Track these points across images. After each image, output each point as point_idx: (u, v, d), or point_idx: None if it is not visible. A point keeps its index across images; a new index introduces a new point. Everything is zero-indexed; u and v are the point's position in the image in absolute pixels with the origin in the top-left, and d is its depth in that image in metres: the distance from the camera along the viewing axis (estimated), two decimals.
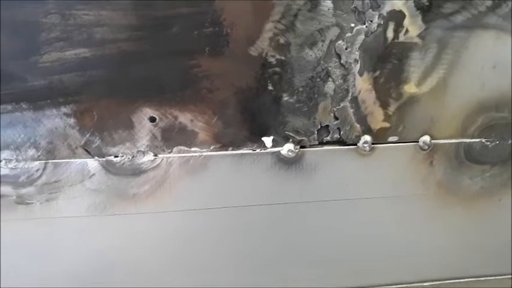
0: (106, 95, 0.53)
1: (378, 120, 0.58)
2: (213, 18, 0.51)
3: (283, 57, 0.54)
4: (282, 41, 0.54)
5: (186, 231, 0.60)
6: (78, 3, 0.49)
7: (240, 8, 0.52)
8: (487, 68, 0.58)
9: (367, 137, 0.59)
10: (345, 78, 0.56)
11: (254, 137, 0.57)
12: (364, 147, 0.59)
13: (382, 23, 0.54)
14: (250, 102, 0.56)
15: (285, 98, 0.56)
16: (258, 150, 0.58)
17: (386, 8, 0.54)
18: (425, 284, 0.67)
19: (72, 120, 0.53)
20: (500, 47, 0.57)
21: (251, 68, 0.54)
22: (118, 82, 0.53)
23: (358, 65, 0.56)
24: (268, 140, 0.58)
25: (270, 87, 0.55)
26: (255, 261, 0.63)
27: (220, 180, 0.58)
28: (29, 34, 0.49)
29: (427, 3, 0.54)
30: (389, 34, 0.55)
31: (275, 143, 0.58)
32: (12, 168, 0.54)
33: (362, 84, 0.57)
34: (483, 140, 0.61)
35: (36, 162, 0.55)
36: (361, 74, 0.56)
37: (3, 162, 0.54)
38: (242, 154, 0.58)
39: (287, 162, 0.59)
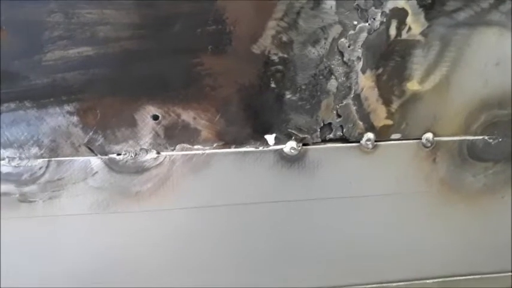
0: (109, 93, 0.53)
1: (380, 117, 0.58)
2: (215, 17, 0.51)
3: (285, 55, 0.54)
4: (284, 38, 0.54)
5: (189, 229, 0.60)
6: (81, 2, 0.49)
7: (242, 6, 0.52)
8: (490, 65, 0.58)
9: (370, 135, 0.59)
10: (347, 75, 0.56)
11: (257, 135, 0.57)
12: (367, 144, 0.59)
13: (384, 20, 0.54)
14: (253, 100, 0.56)
15: (288, 95, 0.56)
16: (260, 148, 0.58)
17: (389, 6, 0.54)
18: (428, 281, 0.67)
19: (75, 119, 0.54)
20: (503, 44, 0.57)
21: (254, 66, 0.54)
22: (121, 80, 0.53)
23: (361, 63, 0.56)
24: (270, 138, 0.58)
25: (273, 85, 0.55)
26: (258, 258, 0.63)
27: (223, 177, 0.58)
28: (32, 33, 0.49)
29: (430, 1, 0.54)
30: (392, 32, 0.55)
31: (278, 141, 0.58)
32: (15, 166, 0.54)
33: (365, 82, 0.57)
34: (486, 138, 0.61)
35: (39, 160, 0.55)
36: (363, 71, 0.56)
37: (6, 160, 0.54)
38: (245, 152, 0.58)
39: (290, 160, 0.59)
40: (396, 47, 0.56)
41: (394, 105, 0.58)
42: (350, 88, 0.57)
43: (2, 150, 0.54)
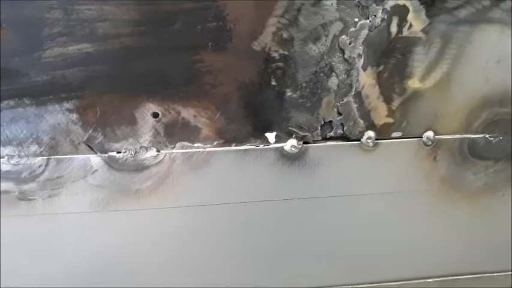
0: (109, 90, 0.53)
1: (381, 115, 0.58)
2: (216, 13, 0.51)
3: (286, 52, 0.54)
4: (285, 35, 0.53)
5: (189, 227, 0.60)
6: None
7: (243, 2, 0.51)
8: (491, 62, 0.58)
9: (370, 133, 0.58)
10: (348, 73, 0.56)
11: (257, 133, 0.57)
12: (368, 142, 0.59)
13: (385, 17, 0.54)
14: (253, 97, 0.55)
15: (288, 93, 0.56)
16: (261, 146, 0.58)
17: (390, 3, 0.53)
18: (428, 280, 0.67)
19: (74, 116, 0.53)
20: (504, 42, 0.57)
21: (254, 63, 0.54)
22: (121, 77, 0.52)
23: (362, 60, 0.55)
24: (271, 136, 0.58)
25: (273, 83, 0.55)
26: (258, 257, 0.63)
27: (223, 176, 0.58)
28: (31, 29, 0.49)
29: None
30: (393, 29, 0.55)
31: (278, 139, 0.58)
32: (14, 164, 0.54)
33: (366, 79, 0.56)
34: (487, 136, 0.61)
35: (39, 158, 0.54)
36: (364, 69, 0.56)
37: (5, 158, 0.54)
38: (245, 150, 0.57)
39: (290, 158, 0.59)
40: (397, 44, 0.55)
41: (395, 103, 0.58)
42: (351, 86, 0.57)
43: (2, 148, 0.54)
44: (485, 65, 0.58)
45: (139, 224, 0.59)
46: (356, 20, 0.54)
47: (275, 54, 0.54)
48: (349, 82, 0.56)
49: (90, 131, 0.54)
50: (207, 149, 0.57)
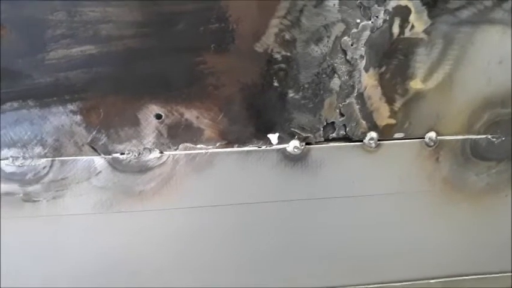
0: (112, 92, 0.53)
1: (383, 116, 0.58)
2: (218, 15, 0.51)
3: (288, 53, 0.54)
4: (287, 37, 0.53)
5: (192, 228, 0.60)
6: (84, 0, 0.49)
7: (245, 4, 0.51)
8: (493, 63, 0.58)
9: (373, 134, 0.59)
10: (350, 74, 0.56)
11: (260, 134, 0.57)
12: (370, 143, 0.59)
13: (387, 18, 0.54)
14: (255, 98, 0.56)
15: (291, 94, 0.56)
16: (263, 147, 0.58)
17: (392, 4, 0.53)
18: (431, 281, 0.67)
19: (78, 118, 0.54)
20: (506, 42, 0.57)
21: (257, 65, 0.54)
22: (124, 79, 0.53)
23: (364, 61, 0.55)
24: (273, 137, 0.58)
25: (276, 84, 0.55)
26: (261, 258, 0.63)
27: (226, 177, 0.58)
28: (35, 31, 0.49)
29: None
30: (395, 30, 0.55)
31: (281, 140, 0.58)
32: (19, 165, 0.54)
33: (368, 80, 0.56)
34: (489, 136, 0.61)
35: (43, 160, 0.55)
36: (366, 70, 0.56)
37: (10, 160, 0.54)
38: (248, 151, 0.58)
39: (293, 159, 0.59)
40: (399, 45, 0.55)
41: (397, 104, 0.58)
42: (353, 87, 0.57)
43: (6, 150, 0.54)
44: (487, 65, 0.58)
45: (143, 225, 0.59)
46: (358, 21, 0.54)
47: (277, 56, 0.54)
48: (352, 83, 0.57)
49: (94, 133, 0.55)
50: (210, 150, 0.57)
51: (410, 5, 0.54)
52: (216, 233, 0.61)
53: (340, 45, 0.55)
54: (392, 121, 0.59)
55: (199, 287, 0.63)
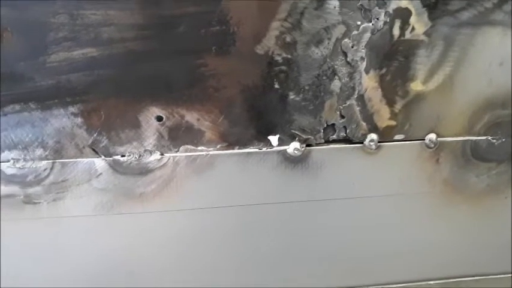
0: (113, 94, 0.53)
1: (384, 118, 0.58)
2: (219, 17, 0.51)
3: (289, 56, 0.54)
4: (288, 39, 0.53)
5: (193, 230, 0.60)
6: (86, 3, 0.49)
7: (246, 6, 0.52)
8: (494, 64, 0.58)
9: (373, 135, 0.59)
10: (351, 76, 0.56)
11: (260, 136, 0.57)
12: (370, 145, 0.59)
13: (388, 20, 0.54)
14: (256, 100, 0.56)
15: (291, 96, 0.56)
16: (264, 149, 0.58)
17: (392, 6, 0.54)
18: (431, 282, 0.67)
19: (79, 120, 0.54)
20: (507, 44, 0.57)
21: (257, 67, 0.54)
22: (125, 81, 0.53)
23: (364, 63, 0.55)
24: (274, 139, 0.58)
25: (276, 86, 0.55)
26: (261, 259, 0.63)
27: (226, 179, 0.58)
28: (37, 34, 0.49)
29: (433, 1, 0.54)
30: (396, 32, 0.55)
31: (281, 142, 0.58)
32: (19, 167, 0.55)
33: (368, 82, 0.57)
34: (489, 138, 0.61)
35: (44, 162, 0.55)
36: (367, 71, 0.56)
37: (11, 162, 0.54)
38: (248, 153, 0.58)
39: (293, 161, 0.59)
40: (400, 47, 0.55)
41: (398, 106, 0.58)
42: (353, 88, 0.57)
43: (7, 152, 0.54)
44: (488, 67, 0.58)
45: (144, 227, 0.59)
46: (359, 23, 0.54)
47: (278, 58, 0.54)
48: (352, 85, 0.57)
49: (95, 135, 0.55)
50: (211, 152, 0.57)
51: (410, 7, 0.54)
52: (217, 235, 0.61)
53: (341, 47, 0.55)
54: (393, 123, 0.59)
55: None
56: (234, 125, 0.56)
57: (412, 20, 0.54)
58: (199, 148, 0.57)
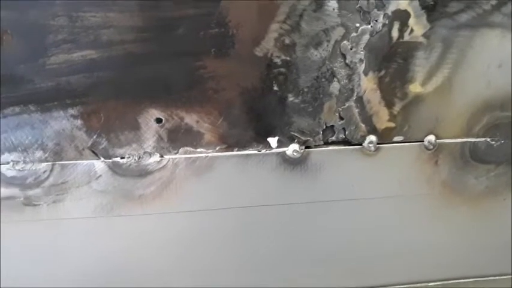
0: (113, 96, 0.53)
1: (383, 120, 0.58)
2: (218, 19, 0.51)
3: (288, 58, 0.54)
4: (287, 41, 0.54)
5: (192, 231, 0.60)
6: (85, 5, 0.49)
7: (245, 8, 0.52)
8: (493, 66, 0.58)
9: (372, 137, 0.59)
10: (350, 78, 0.56)
11: (259, 138, 0.58)
12: (370, 147, 0.59)
13: (387, 22, 0.54)
14: (255, 102, 0.56)
15: (290, 98, 0.56)
16: (263, 151, 0.58)
17: (391, 8, 0.54)
18: (430, 284, 0.67)
19: (79, 122, 0.54)
20: (505, 46, 0.57)
21: (256, 69, 0.54)
22: (124, 83, 0.53)
23: (363, 65, 0.56)
24: (273, 141, 0.58)
25: (275, 88, 0.56)
26: (261, 261, 0.63)
27: (226, 181, 0.58)
28: (36, 36, 0.50)
29: (432, 3, 0.54)
30: (394, 34, 0.55)
31: (280, 144, 0.58)
32: (19, 170, 0.55)
33: (367, 84, 0.57)
34: (488, 140, 0.61)
35: (44, 164, 0.55)
36: (366, 73, 0.56)
37: (11, 164, 0.54)
38: (247, 155, 0.58)
39: (292, 163, 0.59)
40: (398, 49, 0.56)
41: (397, 108, 0.58)
42: (352, 90, 0.57)
43: (7, 154, 0.54)
44: (486, 69, 0.58)
45: (143, 229, 0.59)
46: (357, 25, 0.54)
47: (277, 60, 0.54)
48: (351, 87, 0.57)
49: (95, 137, 0.55)
50: (210, 154, 0.57)
51: (409, 9, 0.54)
52: (216, 237, 0.61)
53: (340, 49, 0.55)
54: (392, 124, 0.59)
55: None
56: (233, 127, 0.56)
57: (411, 22, 0.55)
58: (199, 150, 0.57)
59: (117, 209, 0.58)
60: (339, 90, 0.57)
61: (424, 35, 0.55)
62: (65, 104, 0.53)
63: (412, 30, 0.55)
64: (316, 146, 0.59)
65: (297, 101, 0.57)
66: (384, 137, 0.59)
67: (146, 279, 0.61)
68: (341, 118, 0.58)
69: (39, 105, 0.52)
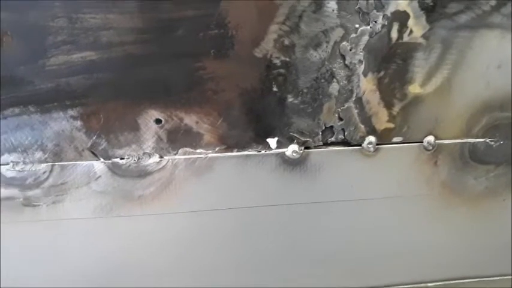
0: (112, 97, 0.53)
1: (382, 120, 0.58)
2: (218, 21, 0.52)
3: (287, 59, 0.54)
4: (286, 42, 0.54)
5: (192, 232, 0.60)
6: (85, 7, 0.49)
7: (244, 9, 0.52)
8: (492, 67, 0.58)
9: (371, 138, 0.59)
10: (349, 79, 0.56)
11: (259, 138, 0.58)
12: (369, 147, 0.59)
13: (386, 23, 0.54)
14: (255, 103, 0.56)
15: (290, 99, 0.56)
16: (262, 152, 0.58)
17: (390, 9, 0.54)
18: (429, 284, 0.67)
19: (78, 123, 0.54)
20: (504, 47, 0.57)
21: (256, 70, 0.54)
22: (124, 84, 0.53)
23: (363, 66, 0.56)
24: (272, 141, 0.58)
25: (275, 89, 0.56)
26: (260, 262, 0.63)
27: (225, 181, 0.58)
28: (36, 38, 0.50)
29: (431, 4, 0.54)
30: (394, 35, 0.55)
31: (280, 144, 0.58)
32: (19, 170, 0.55)
33: (366, 85, 0.57)
34: (487, 140, 0.61)
35: (43, 165, 0.55)
36: (365, 74, 0.56)
37: (10, 165, 0.55)
38: (247, 155, 0.58)
39: (292, 163, 0.59)
40: (398, 50, 0.56)
41: (396, 108, 0.58)
42: (352, 91, 0.57)
43: (7, 155, 0.54)
44: (485, 70, 0.58)
45: (143, 229, 0.59)
46: (357, 26, 0.54)
47: (276, 61, 0.54)
48: (350, 88, 0.57)
49: (94, 138, 0.55)
50: (209, 155, 0.57)
51: (408, 10, 0.54)
52: (216, 237, 0.61)
53: (339, 50, 0.55)
54: (391, 125, 0.59)
55: None
56: (233, 128, 0.57)
57: (410, 23, 0.55)
58: (198, 151, 0.57)
59: (116, 209, 0.58)
60: (338, 91, 0.57)
61: (424, 36, 0.55)
62: (64, 105, 0.53)
63: (411, 31, 0.55)
64: (315, 147, 0.59)
65: (296, 101, 0.57)
66: (383, 138, 0.59)
67: (146, 279, 0.62)
68: (340, 119, 0.58)
69: (39, 106, 0.53)
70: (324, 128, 0.58)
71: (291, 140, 0.58)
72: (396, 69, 0.56)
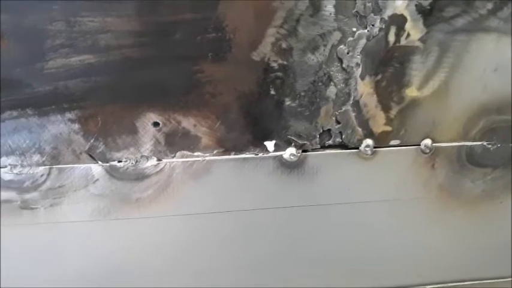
0: (110, 100, 0.53)
1: (379, 123, 0.59)
2: (216, 24, 0.52)
3: (285, 62, 0.55)
4: (284, 45, 0.54)
5: (189, 235, 0.60)
6: (83, 10, 0.49)
7: (242, 13, 0.52)
8: (489, 70, 0.58)
9: (369, 141, 0.59)
10: (346, 82, 0.57)
11: (256, 141, 0.58)
12: (366, 150, 0.59)
13: (383, 27, 0.54)
14: (252, 106, 0.56)
15: (287, 102, 0.57)
16: (260, 155, 0.58)
17: (387, 12, 0.54)
18: (427, 287, 0.67)
19: (76, 126, 0.54)
20: (501, 50, 0.57)
21: (253, 73, 0.55)
22: (122, 88, 0.53)
23: (360, 69, 0.56)
24: (270, 144, 0.58)
25: (272, 92, 0.56)
26: (258, 264, 0.63)
27: (223, 184, 0.58)
28: (34, 41, 0.50)
29: (429, 7, 0.54)
30: (391, 38, 0.55)
31: (277, 147, 0.58)
32: (17, 173, 0.55)
33: (364, 88, 0.57)
34: (485, 143, 0.61)
35: (41, 168, 0.55)
36: (362, 78, 0.56)
37: (8, 168, 0.55)
38: (245, 158, 0.58)
39: (289, 166, 0.59)
40: (395, 53, 0.56)
41: (393, 112, 0.58)
42: (349, 94, 0.57)
43: (4, 158, 0.54)
44: (482, 73, 0.58)
45: (140, 232, 0.59)
46: (354, 29, 0.54)
47: (274, 64, 0.55)
48: (348, 91, 0.57)
49: (92, 141, 0.55)
50: (207, 158, 0.57)
51: (406, 13, 0.54)
52: (213, 240, 0.61)
53: (336, 54, 0.55)
54: (388, 128, 0.59)
55: None
56: (231, 131, 0.57)
57: (408, 26, 0.55)
58: (196, 154, 0.57)
59: (114, 212, 0.58)
60: (336, 94, 0.57)
61: (421, 40, 0.55)
62: (62, 108, 0.53)
63: (408, 35, 0.55)
64: (313, 150, 0.59)
65: (293, 105, 0.57)
66: (381, 141, 0.59)
67: (143, 282, 0.61)
68: (338, 122, 0.58)
69: (37, 109, 0.53)
70: (321, 131, 0.58)
71: (288, 143, 0.58)
72: (393, 73, 0.57)
